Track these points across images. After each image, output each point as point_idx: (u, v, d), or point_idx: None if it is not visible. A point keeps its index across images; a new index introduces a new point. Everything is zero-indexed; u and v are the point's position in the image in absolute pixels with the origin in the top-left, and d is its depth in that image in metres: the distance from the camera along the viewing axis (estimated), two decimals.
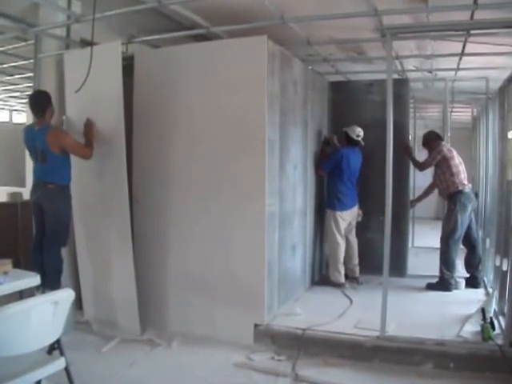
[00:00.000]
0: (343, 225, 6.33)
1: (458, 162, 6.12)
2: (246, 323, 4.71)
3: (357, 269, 6.48)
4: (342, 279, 6.25)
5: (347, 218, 6.35)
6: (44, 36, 5.35)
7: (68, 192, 4.89)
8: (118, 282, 5.05)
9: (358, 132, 6.29)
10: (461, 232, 6.07)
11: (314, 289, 6.21)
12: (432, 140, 6.38)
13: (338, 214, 6.29)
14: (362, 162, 6.40)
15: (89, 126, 4.89)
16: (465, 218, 6.05)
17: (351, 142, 6.32)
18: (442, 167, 6.16)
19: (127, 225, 4.87)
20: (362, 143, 6.31)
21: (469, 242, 6.31)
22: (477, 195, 6.36)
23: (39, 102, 4.82)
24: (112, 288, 5.10)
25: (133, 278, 4.84)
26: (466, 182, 6.10)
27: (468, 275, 6.29)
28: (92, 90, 4.73)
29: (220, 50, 4.85)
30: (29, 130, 4.90)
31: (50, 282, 4.59)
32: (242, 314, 4.74)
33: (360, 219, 6.48)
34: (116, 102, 4.76)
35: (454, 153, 6.15)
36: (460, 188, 6.05)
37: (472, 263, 6.28)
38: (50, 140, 4.67)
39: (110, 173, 4.95)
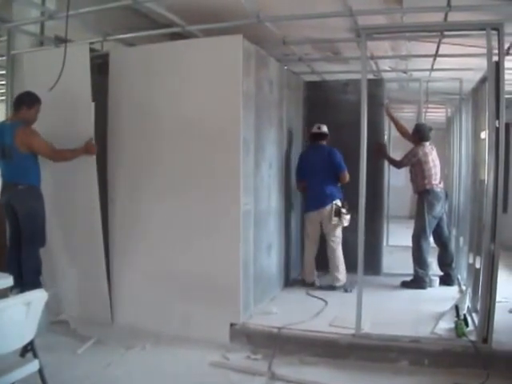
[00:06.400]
0: (310, 227, 6.23)
1: (432, 165, 6.18)
2: (221, 322, 4.70)
3: (334, 277, 6.07)
4: (311, 279, 6.22)
5: (314, 220, 6.16)
6: (17, 32, 5.28)
7: (39, 192, 4.80)
8: (93, 281, 5.10)
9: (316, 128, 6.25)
10: (429, 230, 6.16)
11: (289, 288, 6.21)
12: (416, 137, 6.41)
13: (305, 216, 6.29)
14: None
15: (87, 147, 4.79)
16: (432, 217, 6.13)
17: (311, 139, 6.31)
18: (416, 169, 6.24)
19: (98, 224, 4.90)
20: (318, 133, 6.21)
21: (440, 240, 6.40)
22: (447, 195, 6.42)
23: (22, 97, 4.74)
24: (86, 285, 5.13)
25: (104, 274, 4.91)
26: (435, 182, 6.17)
27: (442, 273, 6.37)
28: (57, 91, 4.63)
29: (195, 48, 4.83)
30: (0, 125, 4.83)
31: (30, 284, 4.50)
32: (217, 313, 4.73)
33: (343, 223, 6.01)
34: (85, 104, 4.81)
35: (430, 157, 6.19)
36: (427, 187, 6.13)
37: (445, 261, 6.36)
38: (17, 137, 4.58)
39: (81, 172, 4.93)
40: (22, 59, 5.32)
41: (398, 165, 6.57)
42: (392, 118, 6.99)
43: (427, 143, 6.31)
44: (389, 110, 7.02)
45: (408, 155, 6.34)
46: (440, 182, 6.26)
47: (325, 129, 6.22)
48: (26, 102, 4.70)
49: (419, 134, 6.37)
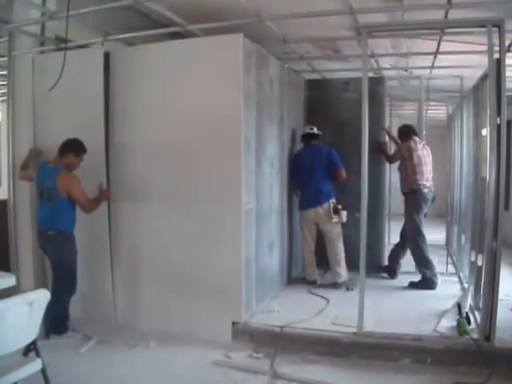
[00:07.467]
0: (305, 225, 6.26)
1: (424, 162, 6.22)
2: (223, 321, 4.71)
3: (336, 273, 6.13)
4: (312, 277, 6.25)
5: (308, 218, 6.21)
6: (18, 33, 5.27)
7: (69, 236, 4.83)
8: (97, 281, 5.15)
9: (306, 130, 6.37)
10: (423, 228, 6.17)
11: (291, 286, 6.21)
12: (401, 137, 6.55)
13: (300, 214, 6.33)
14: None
15: (104, 193, 4.96)
16: (422, 216, 6.17)
17: (304, 139, 6.36)
18: (406, 163, 6.26)
19: (105, 224, 5.02)
20: (311, 134, 6.29)
21: (403, 236, 6.50)
22: (434, 199, 6.41)
23: (71, 144, 4.81)
24: (90, 285, 5.16)
25: (109, 273, 4.98)
26: (425, 182, 6.19)
27: (387, 264, 6.61)
28: (72, 93, 4.88)
29: (196, 47, 4.84)
30: (42, 166, 4.86)
31: (56, 328, 4.72)
32: (219, 312, 4.74)
33: (343, 219, 6.07)
34: (97, 107, 4.98)
35: (420, 152, 6.25)
36: (414, 187, 6.16)
37: (396, 256, 6.52)
38: (59, 181, 4.65)
39: (89, 174, 4.97)
40: (27, 60, 5.34)
41: (390, 159, 6.75)
42: (395, 141, 6.98)
43: (416, 138, 6.38)
44: (390, 134, 7.17)
45: (400, 149, 6.44)
46: (430, 184, 6.28)
47: (315, 129, 6.31)
48: (74, 150, 4.80)
49: (406, 130, 6.51)
